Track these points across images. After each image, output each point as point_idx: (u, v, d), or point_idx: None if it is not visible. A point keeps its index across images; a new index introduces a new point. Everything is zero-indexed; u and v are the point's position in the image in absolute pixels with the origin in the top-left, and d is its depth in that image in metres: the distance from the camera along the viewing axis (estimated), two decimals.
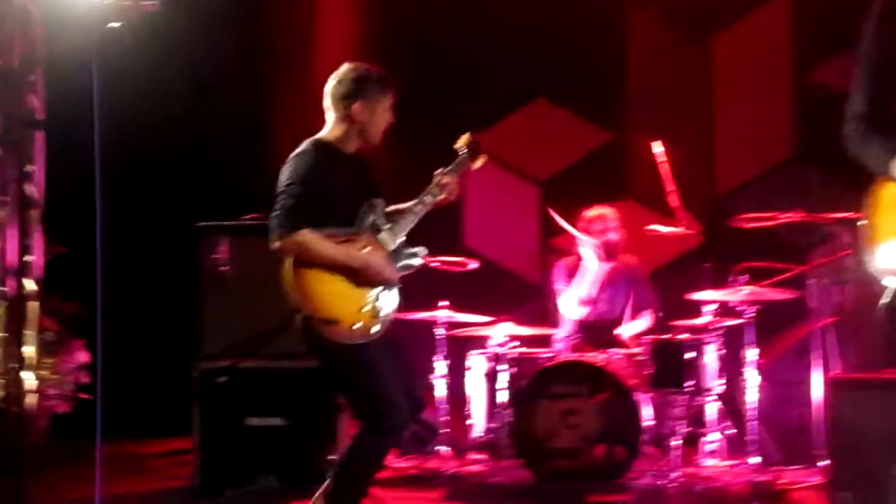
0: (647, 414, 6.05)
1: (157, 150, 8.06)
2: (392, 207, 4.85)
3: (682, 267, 7.51)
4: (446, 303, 6.49)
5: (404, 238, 4.79)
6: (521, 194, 8.33)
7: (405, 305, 6.59)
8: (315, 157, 4.66)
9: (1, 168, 7.13)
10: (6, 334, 7.05)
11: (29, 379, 6.80)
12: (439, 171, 4.88)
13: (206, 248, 6.17)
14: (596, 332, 6.71)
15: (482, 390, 6.48)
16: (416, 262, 4.83)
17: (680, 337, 6.13)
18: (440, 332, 6.51)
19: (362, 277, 4.58)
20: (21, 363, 4.13)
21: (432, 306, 6.48)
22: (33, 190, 7.17)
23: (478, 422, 6.49)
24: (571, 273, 6.86)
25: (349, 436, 4.76)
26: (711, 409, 6.22)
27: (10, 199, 6.96)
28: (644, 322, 6.75)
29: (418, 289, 6.86)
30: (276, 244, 4.53)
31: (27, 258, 7.01)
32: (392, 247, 4.73)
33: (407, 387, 4.74)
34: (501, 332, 6.43)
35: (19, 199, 4.01)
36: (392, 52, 8.22)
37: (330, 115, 4.77)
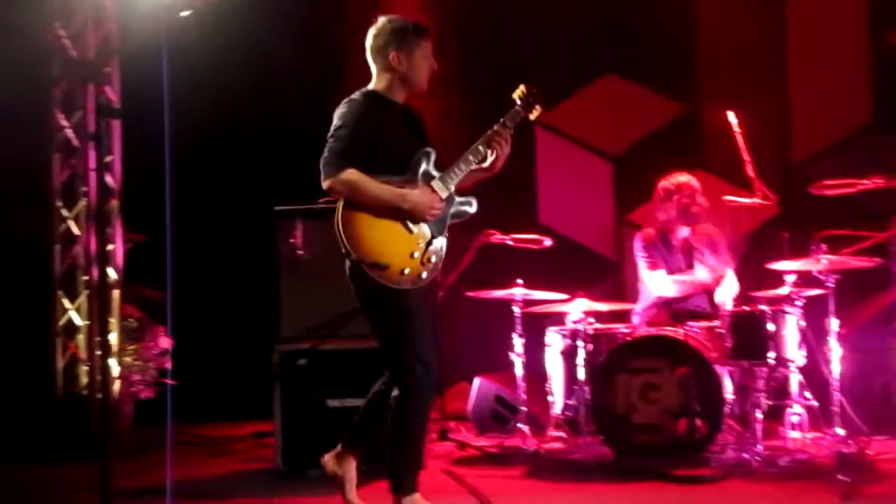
0: (728, 387, 5.98)
1: (233, 135, 8.14)
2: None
3: (761, 237, 7.41)
4: (521, 280, 6.47)
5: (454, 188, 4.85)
6: (594, 170, 8.28)
7: (482, 284, 6.67)
8: (364, 103, 4.78)
9: (80, 159, 7.29)
10: (89, 322, 7.22)
11: (113, 366, 6.94)
12: (493, 129, 4.88)
13: (283, 233, 6.23)
14: (677, 304, 6.63)
15: (560, 367, 6.46)
16: (470, 209, 4.89)
17: (760, 308, 6.04)
18: (516, 309, 6.49)
19: (412, 217, 4.68)
20: (105, 350, 4.19)
21: (508, 284, 6.47)
22: (112, 180, 7.32)
23: (557, 399, 6.47)
24: (650, 246, 6.79)
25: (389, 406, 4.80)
26: (793, 380, 6.13)
27: (89, 189, 7.12)
28: (732, 285, 6.65)
29: (494, 267, 6.92)
30: (325, 184, 4.65)
31: (108, 247, 7.15)
32: (445, 194, 4.80)
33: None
34: (578, 309, 6.40)
35: (99, 190, 4.05)
36: (461, 30, 8.22)
37: (373, 69, 4.88)
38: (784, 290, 6.09)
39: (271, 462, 6.11)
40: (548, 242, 6.69)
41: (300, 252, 6.18)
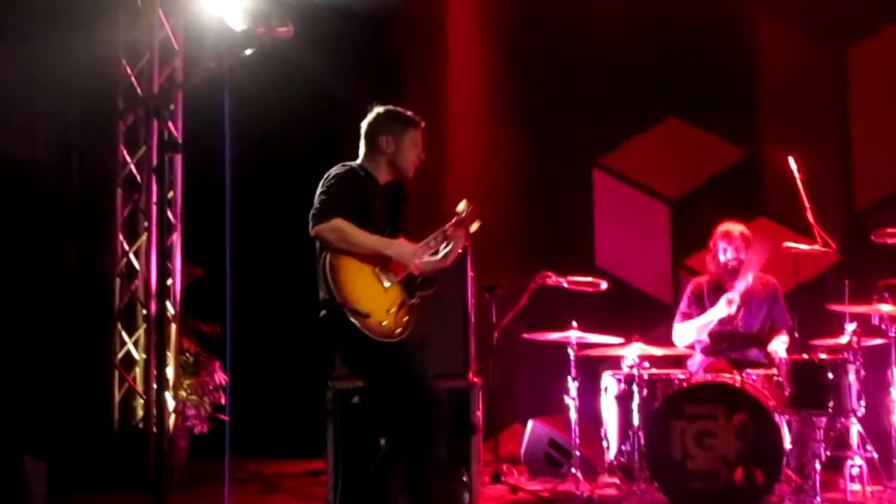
0: (786, 436, 5.89)
1: (292, 170, 8.21)
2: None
3: (820, 285, 7.29)
4: (576, 323, 6.44)
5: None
6: (652, 213, 8.23)
7: (537, 326, 6.65)
8: (354, 170, 5.07)
9: (143, 193, 7.40)
10: (146, 355, 7.29)
11: (168, 400, 7.00)
12: (444, 226, 5.13)
13: None
14: (730, 350, 6.57)
15: (615, 412, 6.40)
16: (432, 289, 5.08)
17: (820, 356, 5.95)
18: (571, 352, 6.45)
19: (395, 266, 4.90)
20: (161, 384, 4.23)
21: (563, 326, 6.44)
22: (172, 215, 7.41)
23: (611, 443, 6.41)
24: (694, 296, 6.76)
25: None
26: (854, 431, 6.02)
27: (150, 223, 7.22)
28: (785, 339, 6.59)
29: (550, 309, 6.89)
30: (313, 231, 4.89)
31: (167, 281, 7.23)
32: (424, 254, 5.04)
33: None
34: (634, 353, 6.35)
35: (160, 224, 4.11)
36: (522, 73, 8.27)
37: (362, 148, 5.18)
38: (844, 339, 6.00)
39: (323, 500, 6.10)
40: (604, 285, 6.66)
41: None
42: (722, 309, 6.55)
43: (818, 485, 5.77)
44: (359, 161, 5.15)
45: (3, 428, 6.59)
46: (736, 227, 6.69)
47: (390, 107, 5.19)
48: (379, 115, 5.16)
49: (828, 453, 5.93)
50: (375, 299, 4.85)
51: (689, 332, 6.69)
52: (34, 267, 7.14)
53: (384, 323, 4.83)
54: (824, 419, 5.88)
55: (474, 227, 5.23)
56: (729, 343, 6.62)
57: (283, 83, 7.99)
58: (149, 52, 7.45)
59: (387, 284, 4.91)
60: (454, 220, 5.13)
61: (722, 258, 6.65)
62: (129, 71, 7.43)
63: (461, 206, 5.18)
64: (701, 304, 6.77)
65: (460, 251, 5.23)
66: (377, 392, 5.08)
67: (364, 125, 5.19)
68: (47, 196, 7.34)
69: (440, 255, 5.09)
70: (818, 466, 5.79)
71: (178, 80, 7.56)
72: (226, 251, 4.71)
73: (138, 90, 7.42)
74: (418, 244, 5.02)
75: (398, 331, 4.87)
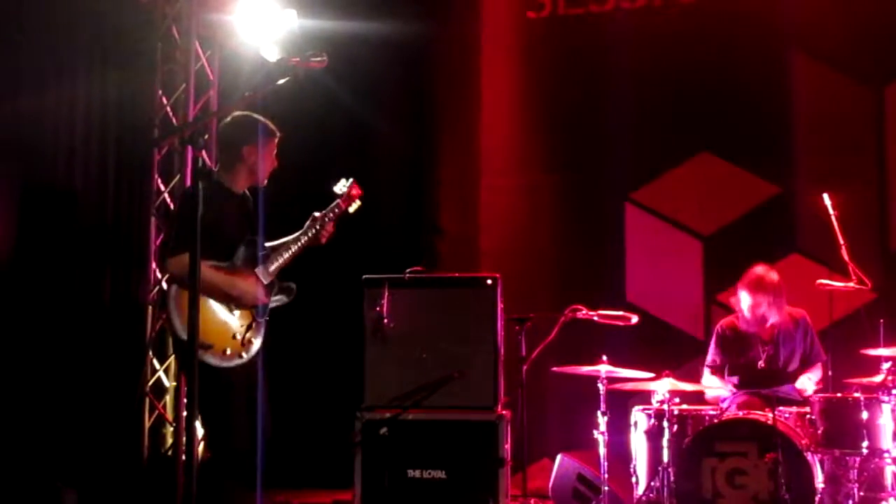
0: (818, 475, 5.81)
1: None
2: (275, 242, 5.28)
3: (855, 323, 7.22)
4: (607, 357, 6.40)
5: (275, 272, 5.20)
6: (685, 249, 8.18)
7: (567, 360, 6.61)
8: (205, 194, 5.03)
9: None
10: (176, 383, 7.31)
11: (198, 427, 7.00)
12: (317, 213, 5.35)
13: (370, 301, 6.26)
14: (762, 387, 6.50)
15: (644, 447, 6.35)
16: (289, 297, 5.23)
17: (854, 395, 5.88)
18: (601, 387, 6.41)
19: (238, 302, 5.00)
20: (191, 412, 4.24)
21: (594, 361, 6.40)
22: None
23: (640, 480, 6.35)
24: (721, 338, 6.72)
25: None
26: (888, 472, 5.93)
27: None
28: (817, 374, 6.54)
29: (580, 343, 6.86)
30: (165, 267, 5.06)
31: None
32: (267, 280, 5.14)
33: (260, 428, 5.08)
34: (664, 388, 6.30)
35: (192, 252, 4.12)
36: (554, 106, 8.27)
37: (222, 156, 5.24)
38: (879, 378, 5.93)
39: None
40: (634, 319, 6.62)
41: (386, 321, 6.20)
42: (712, 391, 6.62)
43: None
44: (217, 172, 5.16)
45: (37, 455, 6.63)
46: (760, 281, 6.63)
47: (250, 114, 5.15)
48: (240, 124, 5.14)
49: (861, 494, 5.85)
50: (221, 325, 4.95)
51: (717, 386, 6.66)
52: (69, 295, 7.20)
53: (228, 351, 4.93)
54: (858, 459, 5.80)
55: (353, 206, 5.39)
56: (761, 379, 6.56)
57: (318, 112, 8.05)
58: (185, 83, 7.53)
59: (236, 312, 5.02)
60: (330, 205, 5.30)
61: (749, 315, 6.62)
62: (164, 101, 7.51)
63: (340, 184, 5.36)
64: (727, 351, 6.73)
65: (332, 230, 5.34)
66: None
67: (223, 133, 5.21)
68: (83, 224, 7.41)
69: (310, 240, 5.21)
70: None
71: (213, 109, 7.63)
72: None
73: (174, 120, 7.50)
74: (268, 266, 5.12)
75: (243, 355, 4.98)
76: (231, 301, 5.00)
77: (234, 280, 5.01)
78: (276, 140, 5.23)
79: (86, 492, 6.36)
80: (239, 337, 5.00)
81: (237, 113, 5.14)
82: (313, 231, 5.29)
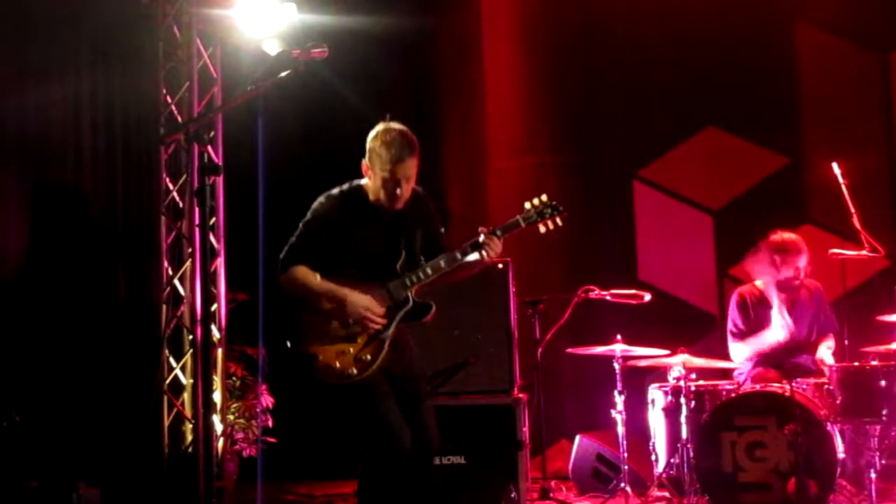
0: (839, 445, 5.80)
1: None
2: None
3: (870, 291, 7.20)
4: (621, 336, 6.39)
5: (412, 290, 4.74)
6: (695, 224, 8.16)
7: (581, 340, 6.61)
8: (338, 198, 4.79)
9: (186, 221, 7.46)
10: (194, 380, 7.33)
11: (216, 423, 7.03)
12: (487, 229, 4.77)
13: None
14: (782, 359, 6.48)
15: (663, 425, 6.34)
16: (425, 317, 4.77)
17: (871, 363, 5.86)
18: (617, 366, 6.40)
19: (342, 314, 4.63)
20: (209, 408, 4.25)
21: (608, 340, 6.40)
22: (215, 240, 7.46)
23: (660, 457, 6.35)
24: (741, 307, 6.68)
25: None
26: None
27: (195, 249, 7.27)
28: (830, 344, 6.52)
29: (594, 323, 6.86)
30: (279, 278, 4.72)
31: (212, 306, 7.27)
32: (400, 297, 4.72)
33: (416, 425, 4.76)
34: (680, 364, 6.29)
35: (202, 248, 4.12)
36: (559, 88, 8.25)
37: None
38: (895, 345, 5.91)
39: None
40: (647, 297, 6.61)
41: None
42: (779, 334, 6.49)
43: (874, 494, 5.67)
44: (362, 181, 4.82)
45: (59, 454, 6.66)
46: (789, 241, 6.59)
47: (386, 127, 4.72)
48: (370, 136, 4.75)
49: (883, 462, 5.82)
50: (328, 340, 4.65)
51: (746, 351, 6.62)
52: (83, 296, 7.22)
53: (337, 365, 4.62)
54: (878, 427, 5.78)
55: (544, 228, 4.83)
56: (777, 351, 6.54)
57: (320, 108, 8.04)
58: (188, 81, 7.53)
59: (351, 323, 4.66)
60: (505, 224, 4.78)
61: (780, 275, 6.56)
62: (169, 100, 7.50)
63: (534, 201, 4.81)
64: (748, 316, 6.70)
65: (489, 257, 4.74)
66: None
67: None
68: (93, 225, 7.43)
69: (472, 259, 4.69)
70: (873, 476, 5.69)
71: (216, 104, 7.62)
72: (264, 276, 4.72)
73: (178, 117, 7.49)
74: (403, 281, 4.69)
75: (350, 373, 4.62)
76: (343, 315, 4.65)
77: (344, 294, 4.64)
78: (394, 162, 4.65)
79: (109, 490, 6.39)
80: (352, 351, 4.67)
81: (381, 124, 4.74)
82: (469, 253, 4.72)
